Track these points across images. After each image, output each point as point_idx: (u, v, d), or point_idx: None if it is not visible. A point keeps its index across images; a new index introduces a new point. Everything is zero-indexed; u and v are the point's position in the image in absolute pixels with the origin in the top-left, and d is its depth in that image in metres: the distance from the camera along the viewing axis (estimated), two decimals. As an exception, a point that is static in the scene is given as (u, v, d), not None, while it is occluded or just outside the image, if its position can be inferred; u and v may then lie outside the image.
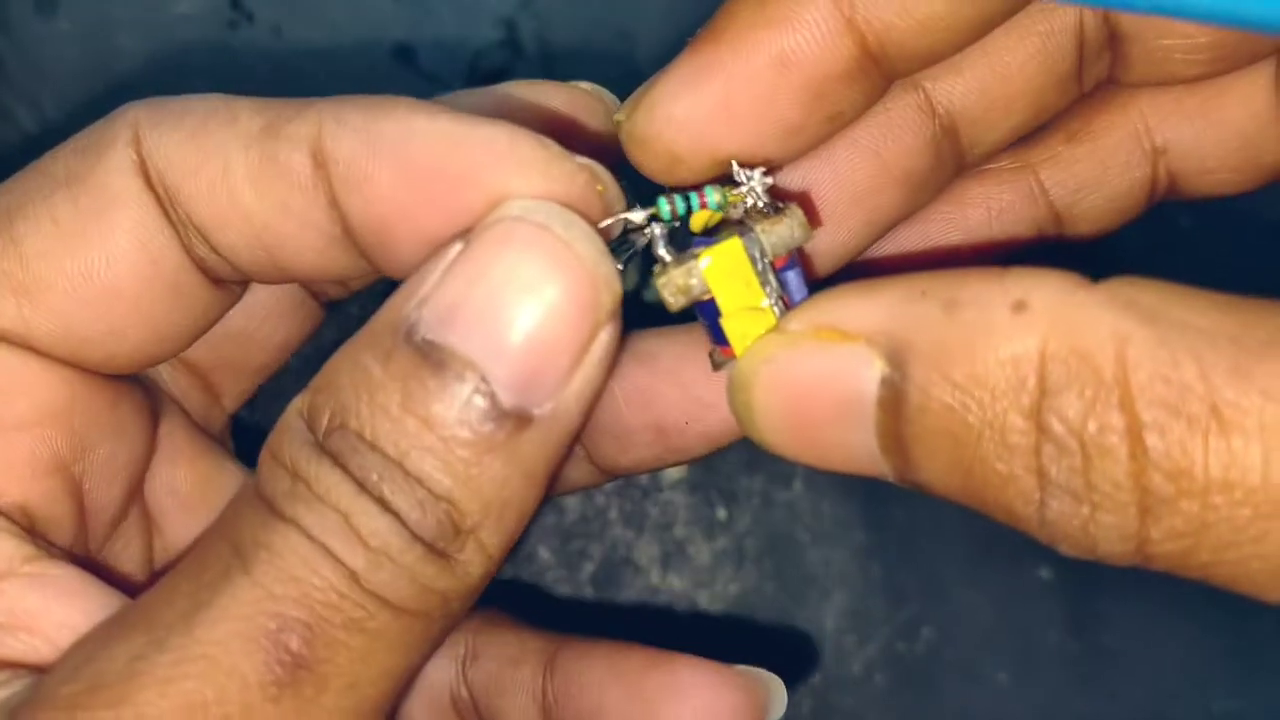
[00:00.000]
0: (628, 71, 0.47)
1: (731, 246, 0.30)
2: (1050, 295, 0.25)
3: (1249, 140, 0.35)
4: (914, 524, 0.47)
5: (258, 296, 0.37)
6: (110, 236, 0.31)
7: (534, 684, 0.37)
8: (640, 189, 0.31)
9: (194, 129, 0.31)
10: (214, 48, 0.48)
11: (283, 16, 0.48)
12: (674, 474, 0.47)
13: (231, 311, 0.35)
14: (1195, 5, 0.23)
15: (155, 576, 0.36)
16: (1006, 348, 0.25)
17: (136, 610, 0.28)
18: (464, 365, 0.27)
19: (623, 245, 0.30)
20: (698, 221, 0.31)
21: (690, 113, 0.31)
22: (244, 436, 0.40)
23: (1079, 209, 0.36)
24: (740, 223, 0.31)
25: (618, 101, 0.35)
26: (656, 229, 0.30)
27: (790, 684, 0.36)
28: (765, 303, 0.30)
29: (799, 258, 0.31)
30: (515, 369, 0.27)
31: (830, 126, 0.32)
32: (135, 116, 0.31)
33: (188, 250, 0.32)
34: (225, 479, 0.38)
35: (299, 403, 0.29)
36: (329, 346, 0.29)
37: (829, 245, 0.34)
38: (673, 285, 0.30)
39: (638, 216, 0.30)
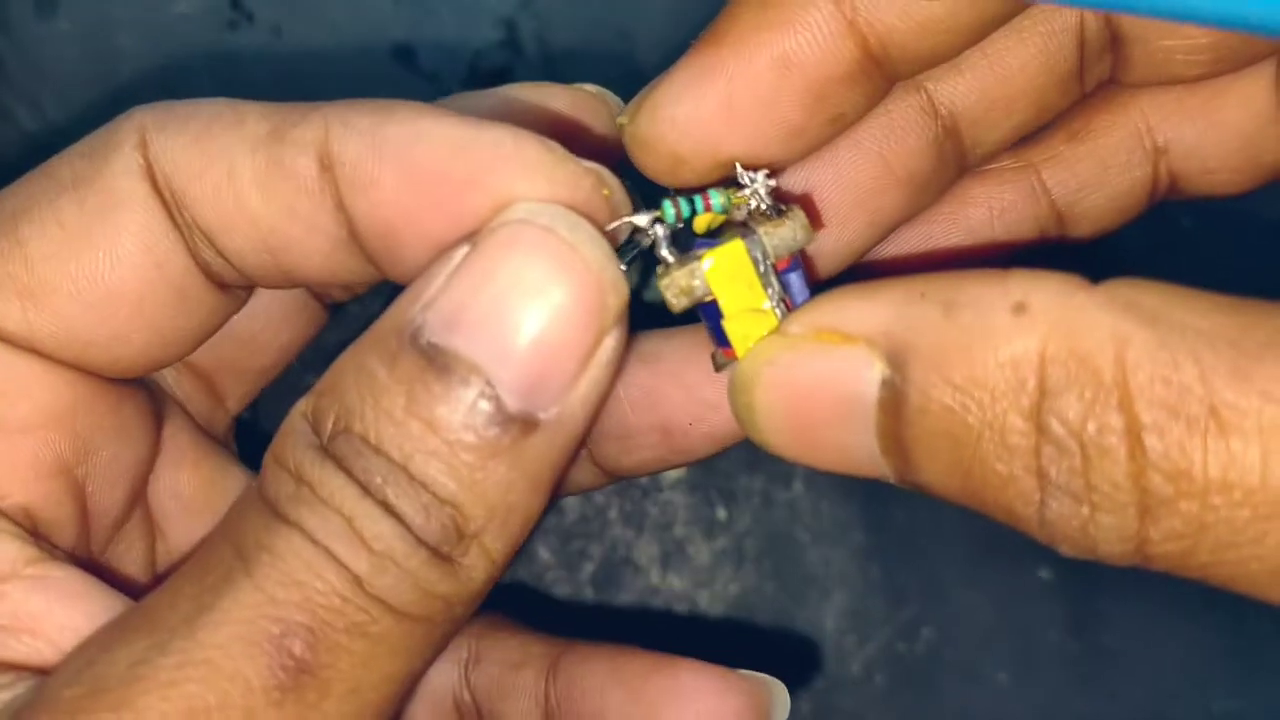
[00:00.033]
0: (628, 72, 0.47)
1: (734, 248, 0.30)
2: (1050, 297, 0.25)
3: (1249, 140, 0.35)
4: (914, 524, 0.47)
5: (262, 299, 0.37)
6: (116, 240, 0.31)
7: (536, 688, 0.37)
8: (644, 191, 0.31)
9: (200, 133, 0.31)
10: (214, 48, 0.48)
11: (283, 16, 0.48)
12: (673, 474, 0.47)
13: (236, 314, 0.35)
14: (1195, 7, 0.23)
15: (158, 579, 0.36)
16: (1006, 349, 0.25)
17: (139, 613, 0.28)
18: (469, 369, 0.27)
19: (627, 246, 0.30)
20: (701, 223, 0.31)
21: (693, 115, 0.31)
22: (247, 439, 0.40)
23: (1080, 208, 0.36)
24: (743, 225, 0.31)
25: (621, 104, 0.35)
26: (659, 230, 0.30)
27: (790, 684, 0.36)
28: (767, 304, 0.30)
29: (801, 260, 0.31)
30: (521, 373, 0.27)
31: (833, 128, 0.32)
32: (142, 120, 0.31)
33: (193, 254, 0.32)
34: (228, 482, 0.38)
35: (303, 405, 0.29)
36: (331, 348, 0.29)
37: (833, 246, 0.34)
38: (675, 286, 0.30)
39: (642, 220, 0.30)
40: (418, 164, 0.29)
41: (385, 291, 0.43)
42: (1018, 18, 0.32)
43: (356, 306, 0.45)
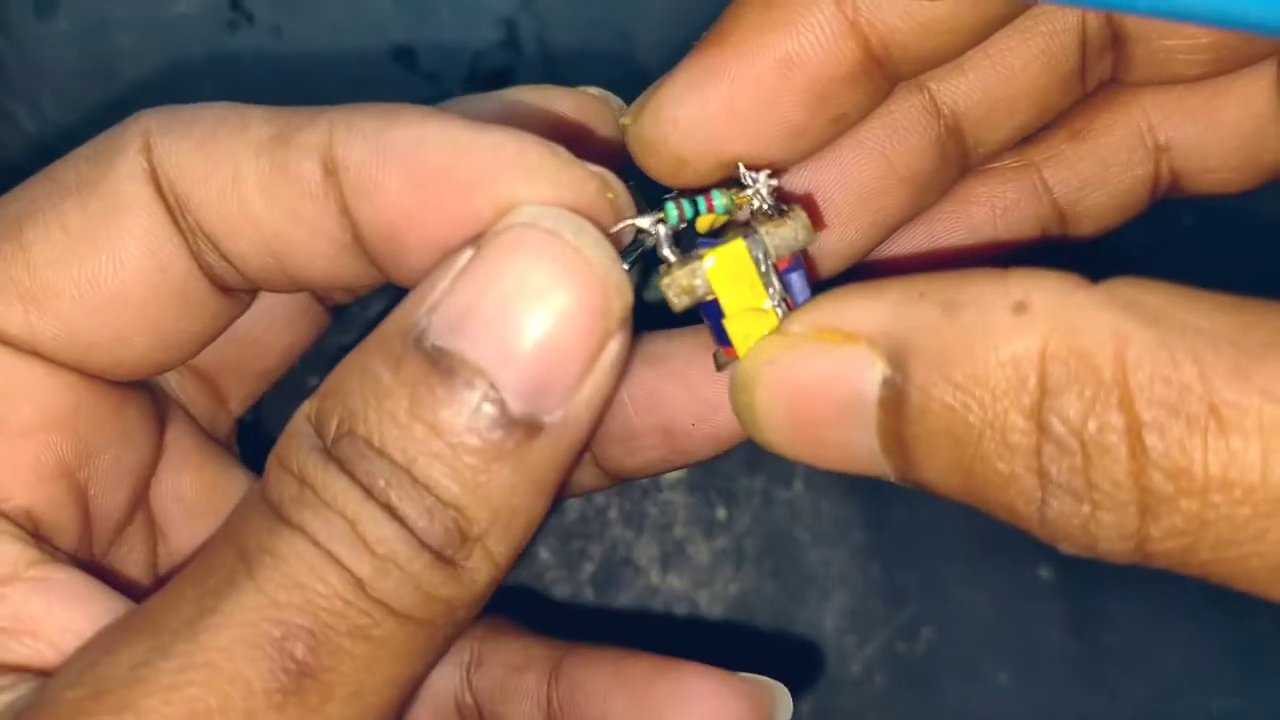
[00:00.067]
0: (628, 72, 0.47)
1: (735, 248, 0.30)
2: (1050, 296, 0.25)
3: (1250, 139, 0.35)
4: (914, 524, 0.47)
5: (264, 302, 0.37)
6: (119, 243, 0.31)
7: (539, 691, 0.37)
8: (647, 191, 0.31)
9: (204, 137, 0.31)
10: (214, 48, 0.48)
11: (283, 17, 0.48)
12: (673, 474, 0.47)
13: (239, 317, 0.35)
14: (1196, 7, 0.23)
15: (160, 582, 0.35)
16: (1007, 348, 0.25)
17: (141, 615, 0.28)
18: (473, 372, 0.27)
19: (630, 248, 0.31)
20: (703, 224, 0.31)
21: (696, 116, 0.31)
22: (249, 441, 0.40)
23: (1082, 206, 0.36)
24: (746, 225, 0.31)
25: (624, 106, 0.35)
26: (661, 229, 0.30)
27: (790, 685, 0.36)
28: (768, 304, 0.30)
29: (802, 259, 0.31)
30: (525, 376, 0.27)
31: (835, 128, 0.32)
32: (146, 124, 0.31)
33: (197, 258, 0.32)
34: (231, 484, 0.38)
35: (307, 408, 0.29)
36: (333, 350, 0.29)
37: (836, 246, 0.34)
38: (677, 286, 0.30)
39: (645, 222, 0.30)
40: (422, 168, 0.29)
41: (388, 293, 0.43)
42: (1020, 18, 0.33)
43: (358, 308, 0.45)
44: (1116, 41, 0.33)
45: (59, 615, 0.30)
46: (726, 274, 0.30)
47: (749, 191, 0.31)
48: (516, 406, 0.27)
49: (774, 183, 0.31)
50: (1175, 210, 0.45)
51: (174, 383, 0.37)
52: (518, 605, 0.46)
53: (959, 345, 0.25)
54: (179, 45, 0.48)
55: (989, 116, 0.34)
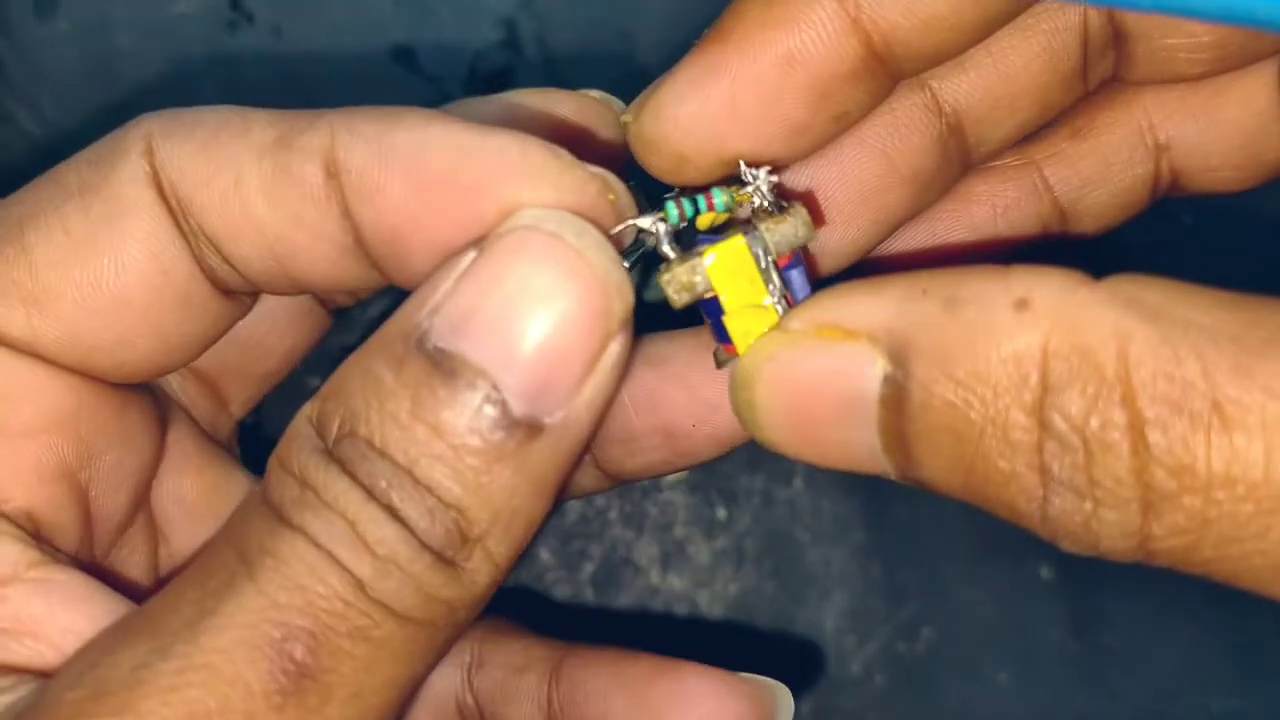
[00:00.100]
0: (628, 72, 0.47)
1: (735, 244, 0.30)
2: (1052, 293, 0.25)
3: (1251, 138, 0.35)
4: (914, 523, 0.47)
5: (266, 304, 0.37)
6: (121, 246, 0.31)
7: (539, 692, 0.37)
8: (648, 190, 0.31)
9: (206, 140, 0.31)
10: (214, 49, 0.48)
11: (283, 17, 0.48)
12: (674, 474, 0.47)
13: (241, 320, 0.35)
14: (1197, 3, 0.23)
15: (160, 583, 0.36)
16: (1009, 345, 0.25)
17: (142, 617, 0.28)
18: (475, 373, 0.27)
19: (631, 249, 0.31)
20: (704, 221, 0.31)
21: (697, 113, 0.31)
22: (250, 443, 0.40)
23: (1083, 205, 0.36)
24: (747, 222, 0.31)
25: (625, 109, 0.35)
26: (661, 228, 0.30)
27: (790, 685, 0.36)
28: (768, 301, 0.30)
29: (803, 256, 0.31)
30: (527, 378, 0.27)
31: (837, 126, 0.32)
32: (148, 128, 0.31)
33: (199, 261, 0.32)
34: (232, 486, 0.38)
35: (308, 410, 0.29)
36: (334, 352, 0.29)
37: (837, 244, 0.34)
38: (676, 282, 0.30)
39: (646, 222, 0.30)
40: (424, 171, 0.29)
41: (389, 295, 0.43)
42: (1021, 15, 0.33)
43: (359, 310, 0.45)
44: (1118, 40, 0.33)
45: (60, 616, 0.30)
46: (726, 270, 0.30)
47: (749, 189, 0.31)
48: (518, 408, 0.27)
49: (774, 179, 0.31)
50: (1176, 209, 0.45)
51: (175, 385, 0.37)
52: (518, 606, 0.46)
53: (961, 342, 0.25)
54: (179, 45, 0.48)
55: (990, 114, 0.34)
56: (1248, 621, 0.47)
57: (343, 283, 0.32)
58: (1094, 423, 0.24)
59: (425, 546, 0.27)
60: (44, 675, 0.29)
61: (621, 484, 0.38)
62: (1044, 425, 0.24)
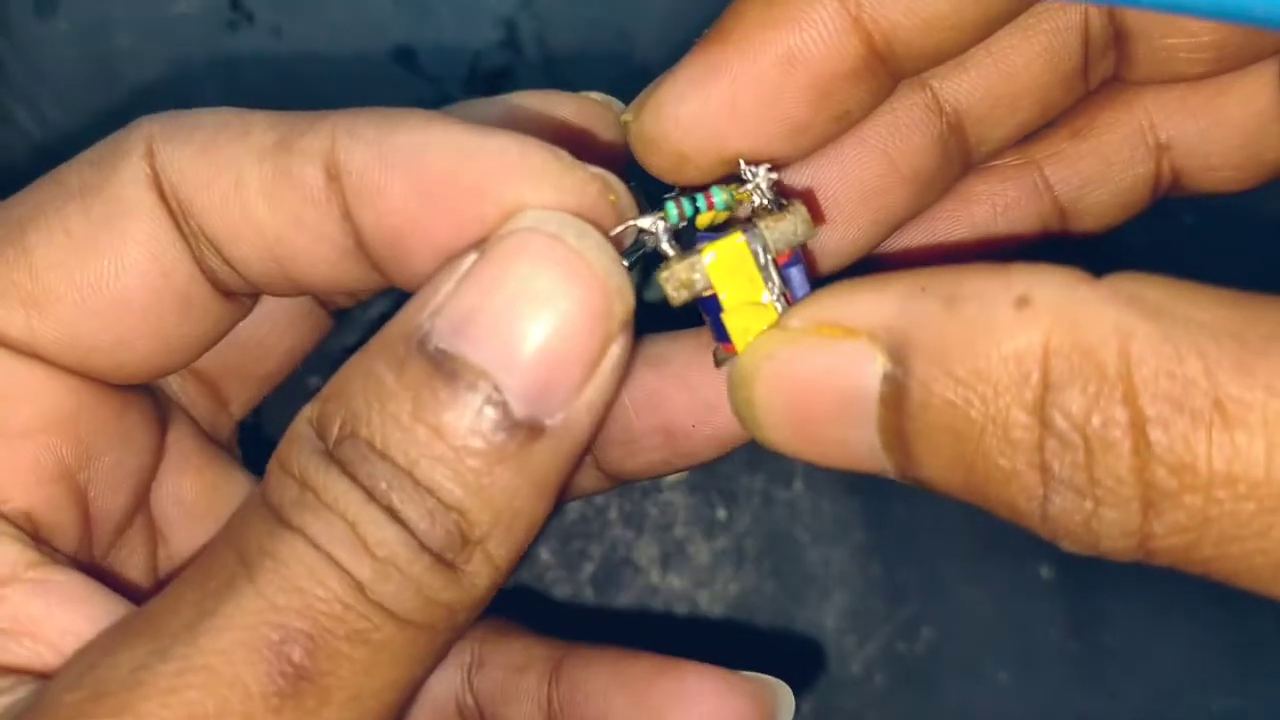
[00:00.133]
0: (628, 72, 0.47)
1: (734, 242, 0.30)
2: (1053, 291, 0.25)
3: (1252, 137, 0.35)
4: (914, 523, 0.47)
5: (266, 305, 0.37)
6: (121, 248, 0.31)
7: (539, 692, 0.37)
8: (648, 189, 0.31)
9: (207, 142, 0.31)
10: (213, 49, 0.48)
11: (283, 17, 0.48)
12: (674, 474, 0.47)
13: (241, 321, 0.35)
14: (1198, 1, 0.23)
15: (160, 584, 0.35)
16: (1009, 343, 0.25)
17: (141, 618, 0.28)
18: (477, 375, 0.27)
19: (631, 249, 0.31)
20: (704, 220, 0.31)
21: (697, 112, 0.31)
22: (250, 444, 0.40)
23: (1083, 204, 0.36)
24: (746, 220, 0.31)
25: (625, 109, 0.35)
26: (660, 225, 0.30)
27: (790, 684, 0.36)
28: (767, 298, 0.30)
29: (802, 254, 0.31)
30: (528, 379, 0.27)
31: (838, 125, 0.32)
32: (149, 130, 0.31)
33: (199, 263, 0.32)
34: (232, 487, 0.38)
35: (309, 411, 0.29)
36: (334, 352, 0.29)
37: (837, 244, 0.34)
38: (675, 279, 0.30)
39: (646, 222, 0.30)
40: (425, 173, 0.29)
41: (390, 295, 0.43)
42: (1022, 15, 0.33)
43: (359, 310, 0.45)
44: (1119, 40, 0.33)
45: (58, 617, 0.30)
46: (725, 268, 0.30)
47: (749, 187, 0.31)
48: (519, 409, 0.27)
49: (773, 176, 0.31)
50: (1176, 209, 0.45)
51: (175, 385, 0.37)
52: (518, 606, 0.46)
53: (961, 340, 0.25)
54: (179, 45, 0.48)
55: (991, 114, 0.34)
56: (1248, 621, 0.47)
57: (343, 284, 0.32)
58: (1095, 421, 0.24)
59: (425, 548, 0.27)
60: (43, 676, 0.29)
61: (621, 484, 0.38)
62: (1045, 423, 0.24)
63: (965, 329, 0.25)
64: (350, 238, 0.30)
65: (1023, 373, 0.24)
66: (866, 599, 0.47)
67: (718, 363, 0.31)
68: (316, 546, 0.27)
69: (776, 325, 0.29)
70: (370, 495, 0.27)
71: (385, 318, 0.29)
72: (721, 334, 0.30)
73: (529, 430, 0.27)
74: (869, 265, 0.35)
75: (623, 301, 0.28)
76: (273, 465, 0.28)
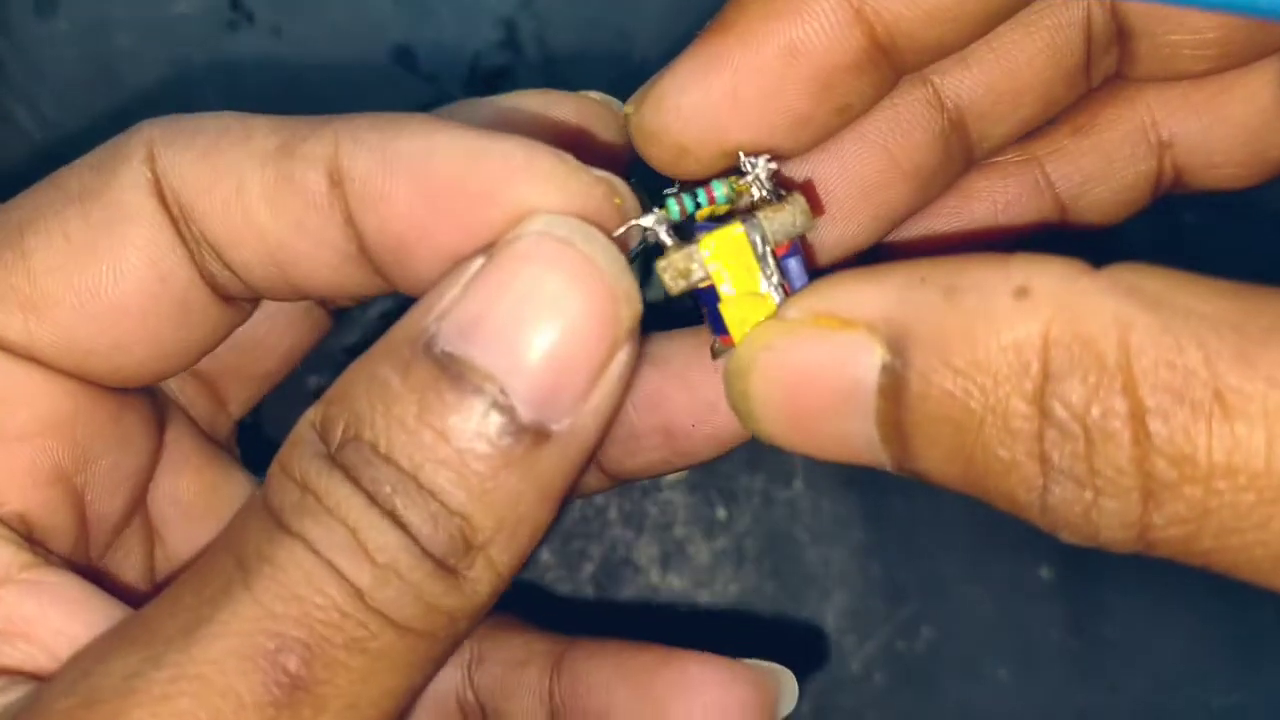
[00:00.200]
0: (627, 71, 0.47)
1: (733, 232, 0.30)
2: (1053, 281, 0.25)
3: (1254, 135, 0.35)
4: (914, 522, 0.47)
5: (266, 305, 0.36)
6: (120, 253, 0.31)
7: (541, 686, 0.37)
8: (649, 183, 0.31)
9: (208, 147, 0.31)
10: (214, 49, 0.48)
11: (282, 17, 0.48)
12: (674, 474, 0.47)
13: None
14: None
15: (157, 586, 0.36)
16: (1009, 333, 0.25)
17: (137, 623, 0.28)
18: (483, 378, 0.27)
19: (634, 247, 0.30)
20: (704, 212, 0.31)
21: (699, 104, 0.31)
22: (250, 444, 0.40)
23: (1084, 202, 0.36)
24: (746, 212, 0.31)
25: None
26: (660, 217, 0.30)
27: (790, 682, 0.36)
28: (765, 289, 0.30)
29: (801, 246, 0.31)
30: (535, 384, 0.27)
31: (839, 119, 0.32)
32: (149, 134, 0.31)
33: (199, 268, 0.31)
34: (231, 487, 0.38)
35: (311, 414, 0.28)
36: (334, 352, 0.29)
37: (837, 239, 0.34)
38: (673, 269, 0.30)
39: (649, 221, 0.30)
40: (430, 178, 0.29)
41: (392, 296, 0.43)
42: (1025, 11, 0.32)
43: (359, 311, 0.45)
44: (1121, 36, 0.33)
45: (52, 618, 0.30)
46: (723, 258, 0.30)
47: (748, 178, 0.31)
48: (526, 414, 0.27)
49: (773, 166, 0.31)
50: (1178, 206, 0.45)
51: (174, 385, 0.37)
52: (518, 606, 0.46)
53: (960, 330, 0.25)
54: (179, 45, 0.48)
55: (993, 110, 0.34)
56: (1248, 613, 0.47)
57: (345, 289, 0.32)
58: (1095, 411, 0.24)
59: (426, 554, 0.27)
60: (36, 678, 0.29)
61: (621, 483, 0.38)
62: (1045, 414, 0.24)
63: (964, 319, 0.25)
64: (353, 243, 0.30)
65: (1022, 363, 0.24)
66: (866, 598, 0.47)
67: (715, 355, 0.31)
68: (316, 552, 0.27)
69: (774, 316, 0.29)
70: (372, 500, 0.27)
71: (386, 317, 0.29)
72: (719, 326, 0.30)
73: (535, 435, 0.27)
74: (868, 259, 0.35)
75: (630, 307, 0.28)
76: (274, 468, 0.28)
